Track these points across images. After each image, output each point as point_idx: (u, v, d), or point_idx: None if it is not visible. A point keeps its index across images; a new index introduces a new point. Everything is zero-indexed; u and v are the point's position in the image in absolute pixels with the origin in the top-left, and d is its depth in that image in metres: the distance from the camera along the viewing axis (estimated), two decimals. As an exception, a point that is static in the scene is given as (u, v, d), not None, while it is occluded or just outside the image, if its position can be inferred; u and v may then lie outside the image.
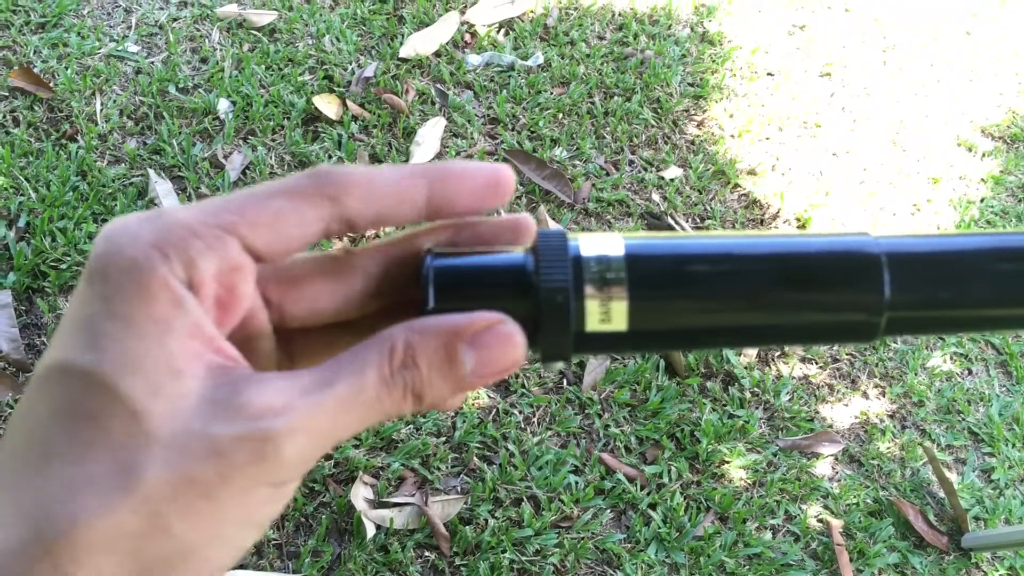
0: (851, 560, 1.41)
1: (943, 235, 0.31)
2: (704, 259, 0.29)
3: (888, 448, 1.56)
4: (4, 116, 1.69)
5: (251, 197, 0.27)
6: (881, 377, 1.66)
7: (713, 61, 2.14)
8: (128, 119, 1.74)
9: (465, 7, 2.10)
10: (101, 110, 1.74)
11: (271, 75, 1.86)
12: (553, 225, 1.71)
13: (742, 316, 0.29)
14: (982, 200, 2.00)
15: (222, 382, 0.25)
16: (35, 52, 1.81)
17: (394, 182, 0.28)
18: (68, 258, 1.49)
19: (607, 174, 1.85)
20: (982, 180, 2.04)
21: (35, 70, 1.76)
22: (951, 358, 1.72)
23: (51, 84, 1.75)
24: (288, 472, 0.25)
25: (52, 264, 1.48)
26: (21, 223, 1.53)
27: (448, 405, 0.28)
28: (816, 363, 1.66)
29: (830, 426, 1.57)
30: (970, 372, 1.71)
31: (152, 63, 1.85)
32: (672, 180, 1.86)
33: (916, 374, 1.67)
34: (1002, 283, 0.30)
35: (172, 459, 0.23)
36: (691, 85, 2.07)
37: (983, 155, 2.09)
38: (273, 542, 1.28)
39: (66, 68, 1.78)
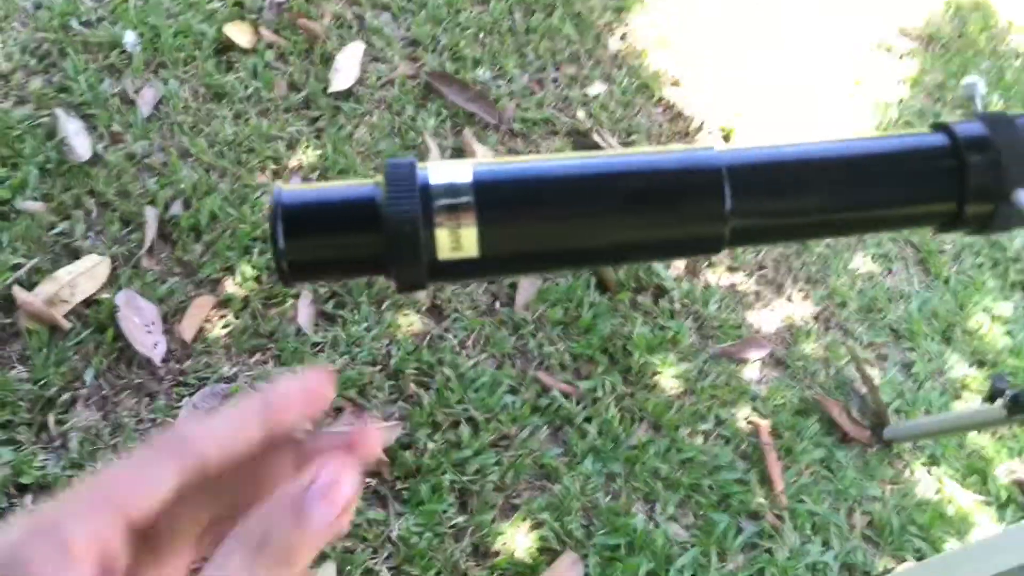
0: (779, 458, 1.46)
1: (781, 147, 0.32)
2: (552, 181, 0.30)
3: (813, 349, 1.61)
4: None
5: (112, 475, 0.30)
6: (805, 281, 1.71)
7: (634, -28, 2.11)
8: (31, 57, 1.66)
9: (378, -76, 2.04)
10: (2, 48, 1.66)
11: (178, 4, 1.79)
12: (480, 150, 1.70)
13: (593, 236, 0.30)
14: (900, 101, 2.03)
15: None
16: (-77, -11, 1.71)
17: (231, 427, 0.31)
18: (-22, 206, 1.44)
19: (532, 93, 1.84)
20: (900, 81, 2.07)
21: (-75, 9, 1.67)
22: (872, 259, 1.77)
23: (-57, 23, 1.66)
24: None
25: (-39, 213, 1.43)
26: (-76, 172, 1.47)
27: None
28: (743, 271, 1.69)
29: (757, 332, 1.61)
30: (890, 271, 1.77)
31: (51, -4, 1.76)
32: (596, 96, 1.86)
33: (839, 276, 1.72)
34: (836, 189, 0.31)
35: None
36: (613, -2, 2.05)
37: (901, 56, 2.12)
38: (213, 479, 1.29)
39: (-42, 5, 1.69)
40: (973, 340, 1.69)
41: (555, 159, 0.31)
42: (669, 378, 1.52)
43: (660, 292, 1.62)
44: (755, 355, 1.57)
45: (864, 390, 1.57)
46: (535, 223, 0.30)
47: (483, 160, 0.30)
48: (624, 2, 2.03)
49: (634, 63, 1.94)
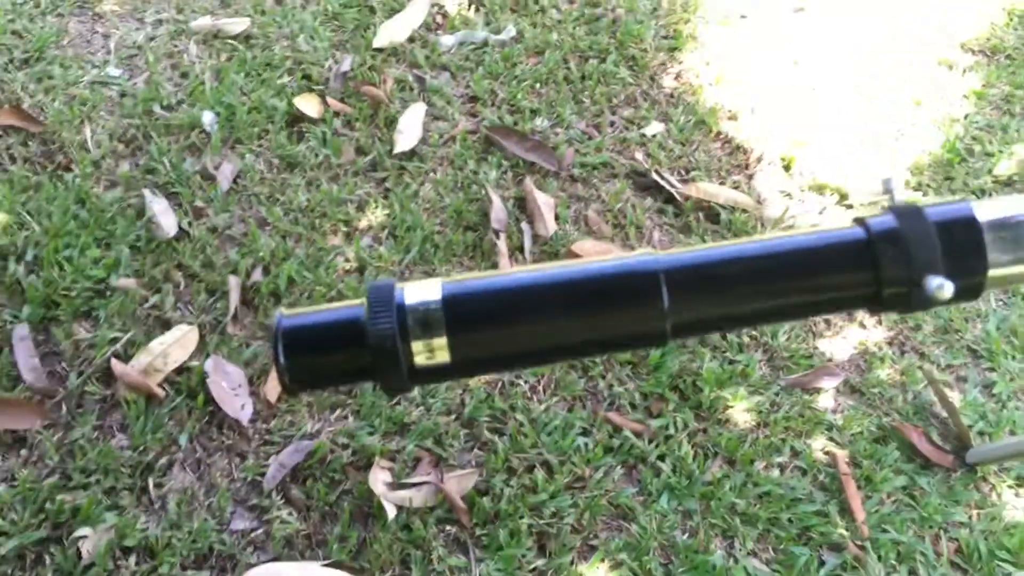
0: (859, 488, 1.45)
1: (714, 248, 0.35)
2: (510, 294, 0.34)
3: (888, 375, 1.60)
4: (0, 155, 1.75)
5: None
6: (877, 306, 1.69)
7: (685, 11, 2.15)
8: (118, 143, 1.79)
9: (433, -11, 2.13)
10: (92, 137, 1.79)
11: (251, 82, 1.90)
12: (541, 198, 1.75)
13: (550, 339, 0.34)
14: (966, 117, 2.00)
15: None
16: (22, 88, 1.86)
17: None
18: (77, 285, 1.55)
19: (589, 138, 1.88)
20: (964, 96, 2.05)
21: (24, 106, 1.82)
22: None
23: (40, 118, 1.80)
24: None
25: (63, 293, 1.55)
26: (28, 257, 1.59)
27: None
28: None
29: (829, 360, 1.61)
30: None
31: (135, 84, 1.90)
32: (654, 136, 1.89)
33: (911, 299, 1.69)
34: (765, 284, 0.34)
35: None
36: (665, 38, 2.09)
37: (964, 71, 2.09)
38: (301, 533, 1.35)
39: (53, 100, 1.83)
40: (1057, 356, 1.64)
41: (513, 273, 0.35)
42: (741, 412, 1.52)
43: (728, 326, 1.63)
44: (828, 384, 1.57)
45: (944, 413, 1.54)
46: (497, 331, 0.34)
47: (451, 279, 0.34)
48: (677, 42, 2.07)
49: (690, 100, 1.97)
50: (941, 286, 0.34)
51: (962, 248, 0.35)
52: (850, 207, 1.84)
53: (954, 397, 1.58)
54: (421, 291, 0.34)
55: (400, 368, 0.33)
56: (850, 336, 1.65)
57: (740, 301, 0.35)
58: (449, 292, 0.34)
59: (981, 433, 1.53)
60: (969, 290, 0.36)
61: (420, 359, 0.33)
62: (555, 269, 0.35)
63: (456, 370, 0.34)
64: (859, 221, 0.36)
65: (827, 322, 1.66)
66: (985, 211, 0.36)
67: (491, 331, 0.34)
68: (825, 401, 1.56)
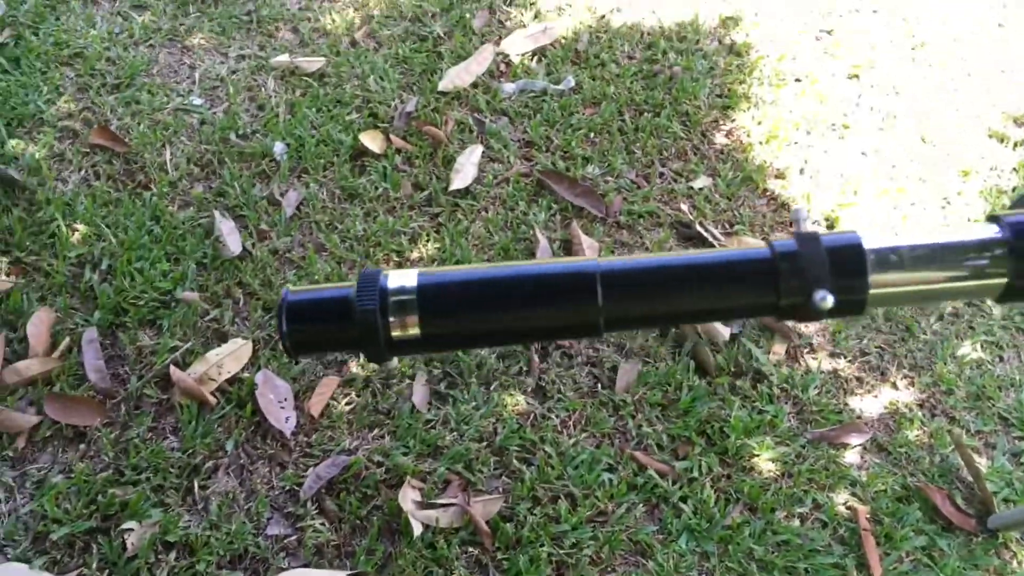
0: (878, 544, 1.47)
1: (646, 257, 0.42)
2: (473, 284, 0.41)
3: (916, 436, 1.61)
4: (86, 171, 1.88)
5: None
6: (910, 368, 1.71)
7: (740, 71, 2.21)
8: (195, 166, 1.91)
9: (500, 39, 2.23)
10: (170, 159, 1.92)
11: (321, 116, 2.02)
12: (586, 241, 1.81)
13: (500, 324, 0.41)
14: (1014, 189, 2.02)
15: None
16: (111, 111, 2.00)
17: None
18: (145, 295, 1.67)
19: (638, 188, 1.95)
20: (1014, 169, 2.07)
21: (112, 128, 1.96)
22: (981, 346, 1.76)
23: (126, 139, 1.94)
24: None
25: (132, 301, 1.66)
26: (103, 266, 1.72)
27: None
28: (845, 357, 1.72)
29: (858, 417, 1.63)
30: (1001, 359, 1.75)
31: (215, 113, 2.03)
32: (701, 189, 1.95)
33: (945, 363, 1.71)
34: (686, 289, 0.41)
35: None
36: (719, 96, 2.16)
37: (1015, 145, 2.11)
38: (332, 543, 1.42)
39: (139, 124, 1.97)
40: (1092, 430, 1.64)
41: (481, 268, 0.42)
42: (766, 461, 1.55)
43: (759, 377, 1.67)
44: (855, 440, 1.59)
45: (970, 478, 1.55)
46: (460, 314, 0.41)
47: (427, 269, 0.42)
48: (730, 100, 2.13)
49: (739, 157, 2.03)
50: (824, 298, 0.41)
51: (847, 269, 0.41)
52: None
53: (981, 463, 1.58)
54: (401, 278, 0.41)
55: (379, 339, 0.40)
56: (881, 395, 1.67)
57: (665, 302, 0.42)
58: (423, 280, 0.41)
59: (1006, 500, 1.54)
60: (854, 304, 0.42)
61: (396, 332, 0.40)
62: (513, 266, 0.42)
63: (426, 344, 0.41)
64: (767, 242, 0.42)
65: (859, 380, 1.69)
66: (871, 240, 0.42)
67: (455, 313, 0.41)
68: (851, 457, 1.58)
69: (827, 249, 0.42)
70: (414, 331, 0.41)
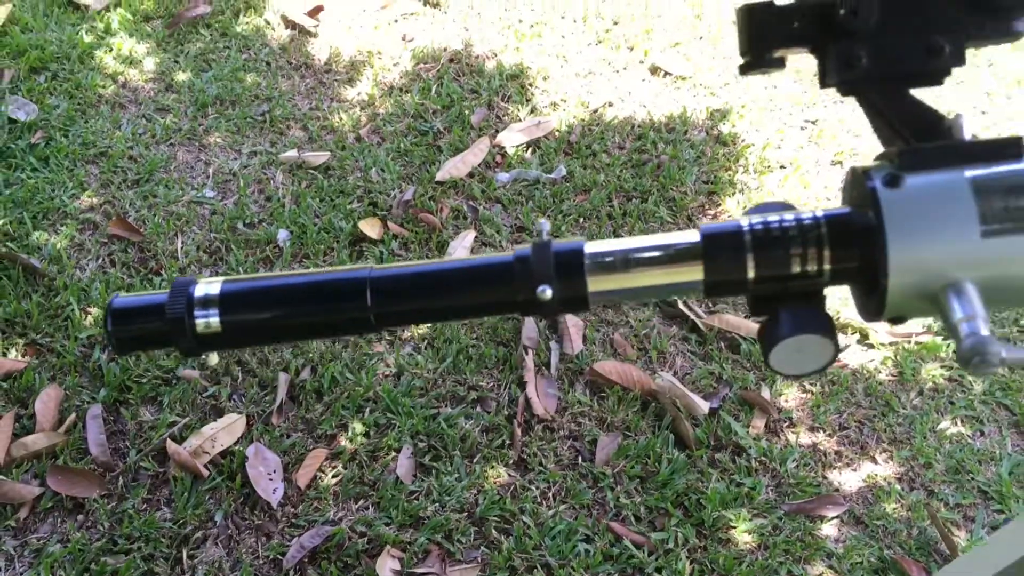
0: (853, 615, 1.47)
1: (412, 264, 0.50)
2: (265, 290, 0.49)
3: (894, 509, 1.63)
4: (103, 260, 2.01)
5: None
6: (890, 442, 1.74)
7: (727, 159, 2.31)
8: (203, 253, 2.03)
9: (496, 132, 2.36)
10: (181, 247, 2.04)
11: (324, 206, 2.14)
12: (571, 320, 1.88)
13: (289, 322, 0.49)
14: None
15: None
16: (130, 204, 2.14)
17: None
18: (148, 373, 1.76)
19: (624, 269, 2.02)
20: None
21: (129, 219, 2.09)
22: (961, 420, 1.77)
23: (141, 229, 2.07)
24: None
25: (135, 379, 1.75)
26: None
27: None
28: (824, 431, 1.75)
29: (836, 490, 1.65)
30: (982, 434, 1.76)
31: (225, 204, 2.16)
32: (685, 270, 2.02)
33: (925, 437, 1.73)
34: (442, 291, 0.48)
35: None
36: (705, 183, 2.24)
37: None
38: (311, 609, 1.46)
39: (154, 215, 2.10)
40: (1073, 503, 1.64)
41: (275, 276, 0.50)
42: (742, 532, 1.58)
43: (738, 450, 1.70)
44: (832, 512, 1.61)
45: (947, 551, 1.56)
46: (253, 315, 0.49)
47: (232, 277, 0.50)
48: (716, 186, 2.22)
49: (724, 240, 2.10)
50: (544, 291, 0.48)
51: (569, 270, 0.48)
52: (871, 347, 1.91)
53: (960, 536, 1.59)
54: (208, 286, 0.49)
55: (186, 336, 0.48)
56: (860, 469, 1.69)
57: (426, 302, 0.50)
58: (225, 288, 0.49)
59: (985, 572, 1.54)
60: (577, 301, 0.49)
61: (201, 330, 0.48)
62: (301, 275, 0.50)
63: (227, 340, 0.49)
64: (516, 250, 0.50)
65: (838, 453, 1.71)
66: (592, 245, 0.49)
67: (250, 314, 0.49)
68: (828, 529, 1.59)
69: (554, 253, 0.49)
70: (216, 328, 0.49)
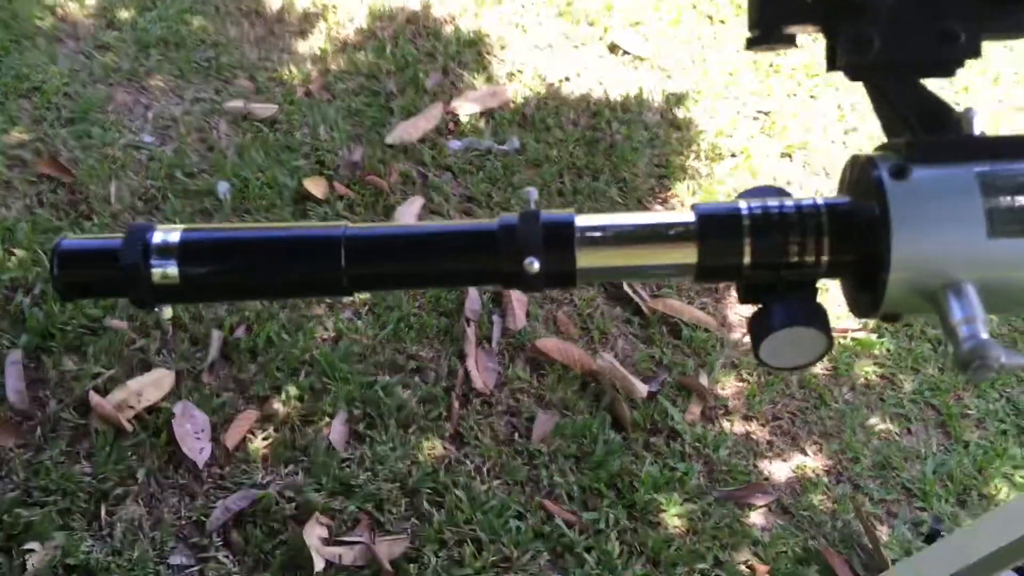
0: (775, 603, 1.49)
1: (388, 225, 0.47)
2: (229, 243, 0.46)
3: (821, 501, 1.65)
4: (31, 199, 1.91)
5: None
6: (820, 435, 1.76)
7: (679, 144, 2.30)
8: (138, 200, 1.95)
9: (450, 99, 2.31)
10: (115, 192, 1.95)
11: (268, 160, 2.07)
12: (515, 294, 1.86)
13: (255, 279, 0.46)
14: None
15: None
16: (63, 143, 2.04)
17: None
18: (74, 321, 1.68)
19: (571, 247, 2.00)
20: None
21: (61, 159, 1.99)
22: (890, 418, 1.81)
23: (73, 171, 1.97)
24: None
25: (60, 326, 1.67)
26: (36, 291, 1.73)
27: None
28: (758, 420, 1.77)
29: (766, 479, 1.67)
30: (909, 432, 1.80)
31: (164, 151, 2.07)
32: (632, 252, 2.01)
33: (854, 432, 1.77)
34: (413, 253, 0.46)
35: None
36: (657, 166, 2.24)
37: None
38: (233, 574, 1.42)
39: (88, 157, 2.01)
40: (989, 504, 1.69)
41: (242, 228, 0.47)
42: (672, 516, 1.58)
43: (673, 435, 1.71)
44: (761, 501, 1.63)
45: (870, 545, 1.59)
46: (215, 268, 0.46)
47: (192, 225, 0.46)
48: (667, 170, 2.22)
49: (672, 224, 2.10)
50: (531, 263, 0.45)
51: (557, 242, 0.46)
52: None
53: (882, 531, 1.62)
54: (166, 233, 0.45)
55: (143, 286, 0.44)
56: (791, 459, 1.71)
57: (403, 267, 0.47)
58: (185, 236, 0.45)
59: (903, 567, 1.57)
60: (563, 276, 0.47)
61: (157, 279, 0.45)
62: (269, 229, 0.47)
63: (185, 292, 0.46)
64: (499, 219, 0.47)
65: (769, 443, 1.73)
66: (583, 220, 0.47)
67: (212, 267, 0.46)
68: (755, 517, 1.61)
69: (543, 224, 0.46)
70: (173, 280, 0.45)
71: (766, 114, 2.44)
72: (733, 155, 2.32)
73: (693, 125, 2.37)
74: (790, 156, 2.34)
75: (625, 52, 2.57)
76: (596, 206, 2.10)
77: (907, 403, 1.84)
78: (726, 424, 1.75)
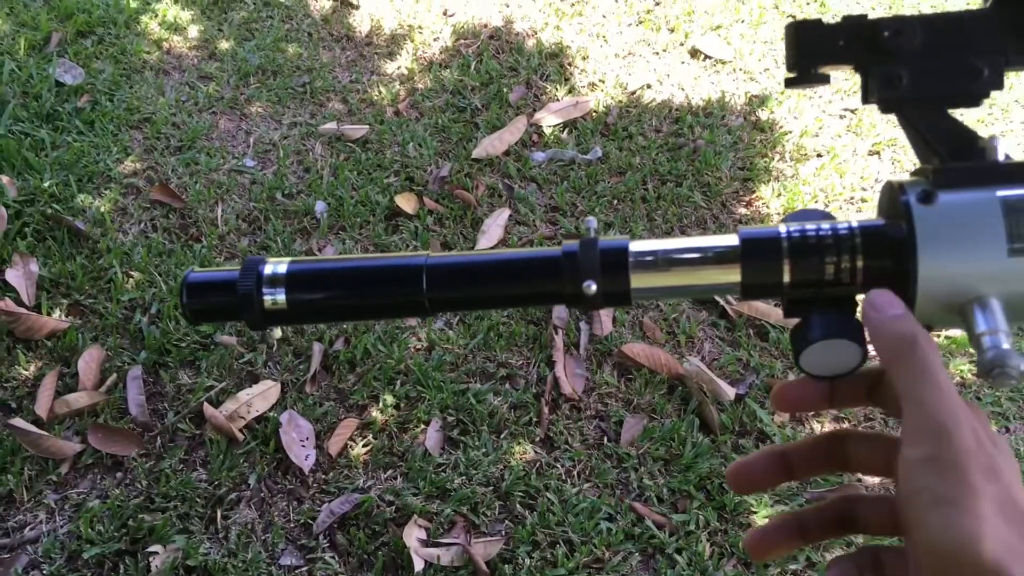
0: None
1: (465, 254, 0.52)
2: (327, 272, 0.52)
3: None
4: (145, 224, 2.05)
5: None
6: (914, 434, 1.74)
7: (763, 146, 2.30)
8: (243, 222, 2.07)
9: (533, 111, 2.37)
10: (221, 215, 2.08)
11: (361, 179, 2.17)
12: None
13: (349, 303, 0.52)
14: None
15: None
16: (172, 170, 2.18)
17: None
18: (187, 338, 1.80)
19: (656, 253, 2.03)
20: None
21: (171, 185, 2.13)
22: (988, 416, 1.78)
23: (183, 196, 2.11)
24: None
25: (175, 343, 1.80)
26: (153, 310, 1.86)
27: None
28: (849, 421, 1.76)
29: (859, 479, 1.66)
30: (1007, 429, 1.77)
31: (265, 174, 2.19)
32: (717, 256, 2.03)
33: (950, 431, 1.74)
34: (495, 279, 0.51)
35: None
36: (741, 169, 2.24)
37: None
38: (339, 575, 1.50)
39: (195, 182, 2.14)
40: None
41: (338, 259, 0.53)
42: (763, 518, 1.60)
43: (762, 437, 1.72)
44: (853, 502, 1.62)
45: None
46: (318, 294, 0.52)
47: (298, 259, 0.53)
48: (751, 173, 2.22)
49: (757, 226, 2.10)
50: (589, 286, 0.50)
51: (613, 267, 0.50)
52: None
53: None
54: (275, 266, 0.52)
55: (253, 311, 0.51)
56: (884, 460, 1.70)
57: (478, 290, 0.52)
58: (291, 268, 0.52)
59: None
60: (620, 296, 0.51)
61: (268, 306, 0.51)
62: (361, 259, 0.54)
63: (291, 316, 0.52)
64: (561, 246, 0.52)
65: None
66: (636, 245, 0.51)
67: (313, 293, 0.52)
68: (848, 518, 1.61)
69: (600, 250, 0.51)
70: (282, 305, 0.52)
71: (852, 112, 2.42)
72: (819, 155, 2.30)
73: (777, 126, 2.37)
74: (879, 154, 2.31)
75: (707, 56, 2.58)
76: (681, 212, 2.12)
77: (1005, 401, 1.81)
78: (816, 425, 1.75)
